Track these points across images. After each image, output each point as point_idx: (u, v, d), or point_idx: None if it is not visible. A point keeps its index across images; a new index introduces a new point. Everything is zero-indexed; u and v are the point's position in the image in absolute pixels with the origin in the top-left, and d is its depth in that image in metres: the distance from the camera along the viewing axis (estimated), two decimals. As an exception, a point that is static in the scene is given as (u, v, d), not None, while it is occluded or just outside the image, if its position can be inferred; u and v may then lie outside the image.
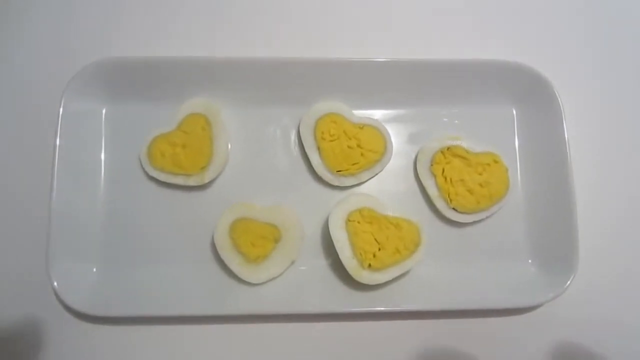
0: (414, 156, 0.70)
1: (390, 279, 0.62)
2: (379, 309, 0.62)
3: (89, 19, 0.72)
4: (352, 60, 0.67)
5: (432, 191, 0.67)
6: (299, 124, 0.69)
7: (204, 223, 0.66)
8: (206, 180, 0.65)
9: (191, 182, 0.66)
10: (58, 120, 0.64)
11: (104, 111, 0.69)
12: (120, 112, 0.69)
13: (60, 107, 0.64)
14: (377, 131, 0.68)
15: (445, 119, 0.71)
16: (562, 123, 0.66)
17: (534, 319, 0.66)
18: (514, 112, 0.71)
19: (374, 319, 0.65)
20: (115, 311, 0.62)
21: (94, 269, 0.65)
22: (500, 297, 0.64)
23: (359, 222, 0.63)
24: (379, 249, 0.62)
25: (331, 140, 0.67)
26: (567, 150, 0.66)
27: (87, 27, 0.72)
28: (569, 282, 0.63)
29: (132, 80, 0.68)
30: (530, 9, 0.76)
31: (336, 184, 0.67)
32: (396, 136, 0.69)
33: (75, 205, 0.65)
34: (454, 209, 0.66)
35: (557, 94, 0.67)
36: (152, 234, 0.66)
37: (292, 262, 0.65)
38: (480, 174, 0.67)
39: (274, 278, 0.64)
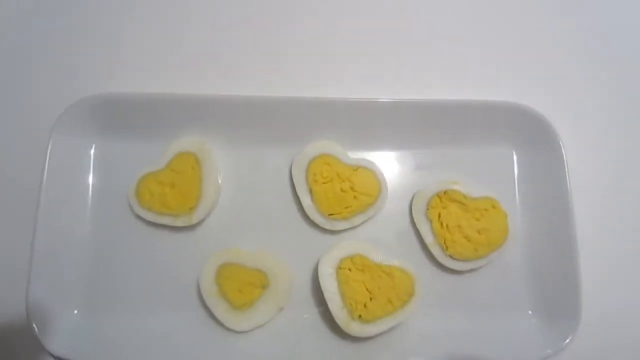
0: (409, 200, 0.68)
1: (381, 331, 0.60)
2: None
3: (80, 55, 0.72)
4: (347, 101, 0.66)
5: (428, 237, 0.65)
6: (291, 164, 0.67)
7: (191, 266, 0.65)
8: (194, 222, 0.64)
9: (179, 222, 0.65)
10: (46, 156, 0.63)
11: (93, 147, 0.68)
12: (110, 149, 0.68)
13: (49, 143, 0.64)
14: (371, 173, 0.67)
15: (443, 162, 0.69)
16: (564, 168, 0.65)
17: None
18: (515, 155, 0.69)
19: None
20: (92, 357, 0.60)
21: (75, 311, 0.63)
22: (499, 352, 0.62)
23: (350, 270, 0.61)
24: (370, 299, 0.60)
25: (324, 183, 0.65)
26: (569, 196, 0.64)
27: (79, 63, 0.72)
28: (571, 337, 0.60)
29: (122, 117, 0.67)
30: (532, 50, 0.74)
31: (328, 227, 0.65)
32: (392, 178, 0.68)
33: (59, 243, 0.64)
34: (450, 256, 0.64)
35: (559, 137, 0.65)
36: (137, 276, 0.65)
37: (280, 309, 0.63)
38: (478, 220, 0.64)
39: (260, 326, 0.62)
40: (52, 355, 0.60)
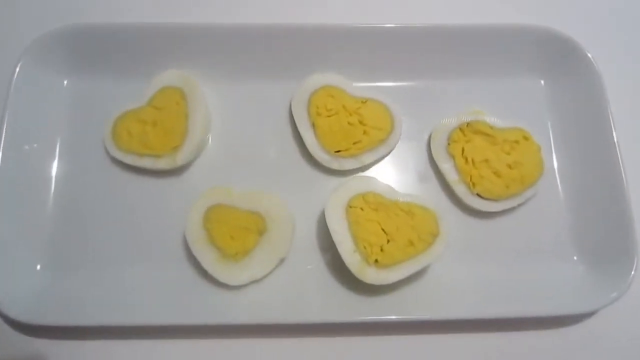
0: (426, 136, 0.60)
1: (402, 277, 0.50)
2: (388, 317, 0.50)
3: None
4: (352, 27, 0.59)
5: (451, 175, 0.56)
6: (291, 99, 0.59)
7: (175, 215, 0.56)
8: (179, 163, 0.56)
9: (161, 164, 0.56)
10: (8, 92, 0.55)
11: (64, 84, 0.60)
12: (84, 87, 0.61)
13: (13, 75, 0.56)
14: (382, 106, 0.59)
15: (462, 94, 0.61)
16: (603, 95, 0.57)
17: (583, 331, 0.53)
18: (543, 84, 0.62)
19: (381, 332, 0.53)
20: (62, 319, 0.50)
21: (38, 267, 0.54)
22: (541, 304, 0.52)
23: (362, 209, 0.52)
24: (388, 241, 0.51)
25: (328, 116, 0.57)
26: (612, 128, 0.56)
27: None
28: (628, 282, 0.50)
29: (97, 51, 0.60)
30: None
31: (334, 167, 0.57)
32: (405, 113, 0.59)
33: (21, 188, 0.55)
34: (478, 195, 0.55)
35: (594, 65, 0.58)
36: (112, 227, 0.56)
37: (281, 261, 0.53)
38: (508, 154, 0.56)
39: (257, 280, 0.53)
40: (11, 321, 0.50)
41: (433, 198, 0.57)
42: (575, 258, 0.56)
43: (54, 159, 0.58)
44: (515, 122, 0.58)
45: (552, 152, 0.59)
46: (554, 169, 0.58)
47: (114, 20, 0.60)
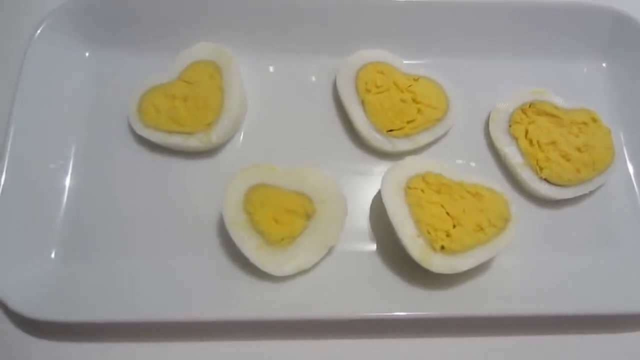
0: (482, 117, 0.55)
1: (473, 265, 0.45)
2: (453, 313, 0.45)
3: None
4: (403, 1, 0.55)
5: (515, 158, 0.52)
6: (336, 76, 0.55)
7: (209, 198, 0.50)
8: (214, 140, 0.50)
9: (193, 142, 0.51)
10: (24, 60, 0.50)
11: (86, 55, 0.56)
12: (108, 58, 0.56)
13: (29, 46, 0.51)
14: (435, 84, 0.55)
15: (519, 74, 0.58)
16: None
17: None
18: (605, 65, 0.59)
19: (443, 332, 0.47)
20: (82, 315, 0.44)
21: (52, 255, 0.48)
22: (617, 299, 0.47)
23: (422, 191, 0.47)
24: (454, 226, 0.46)
25: (378, 93, 0.53)
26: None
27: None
28: None
29: (122, 20, 0.55)
30: None
31: (387, 148, 0.52)
32: (460, 92, 0.55)
33: (37, 167, 0.49)
34: (546, 179, 0.51)
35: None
36: (139, 212, 0.50)
37: (330, 249, 0.48)
38: (576, 136, 0.52)
39: (304, 270, 0.47)
40: (20, 317, 0.43)
41: (494, 183, 0.52)
42: (649, 247, 0.51)
43: (75, 136, 0.52)
44: (577, 100, 0.54)
45: (620, 137, 0.55)
46: (623, 154, 0.54)
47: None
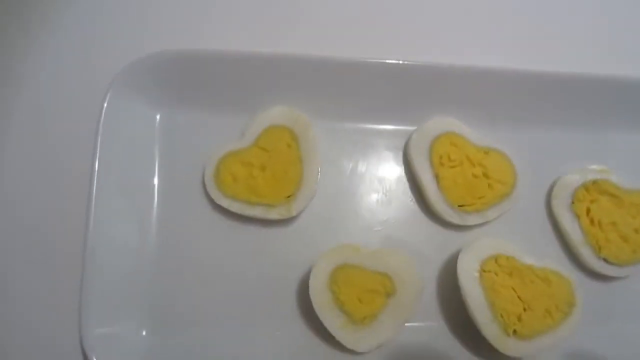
0: (545, 190, 0.59)
1: (541, 350, 0.50)
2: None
3: (142, 6, 0.59)
4: (475, 69, 0.57)
5: (575, 236, 0.56)
6: (407, 144, 0.57)
7: (289, 269, 0.53)
8: (294, 213, 0.53)
9: (273, 214, 0.53)
10: (98, 128, 0.50)
11: (157, 118, 0.56)
12: (180, 121, 0.56)
13: (102, 111, 0.51)
14: (504, 157, 0.57)
15: (582, 146, 0.60)
16: None
17: None
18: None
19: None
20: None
21: (144, 332, 0.50)
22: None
23: (496, 274, 0.51)
24: (524, 310, 0.50)
25: (452, 167, 0.55)
26: None
27: (140, 17, 0.59)
28: None
29: (196, 80, 0.55)
30: None
31: (456, 221, 0.55)
32: (525, 163, 0.58)
33: (118, 244, 0.51)
34: (604, 259, 0.55)
35: None
36: (220, 284, 0.53)
37: (405, 321, 0.52)
38: (634, 218, 0.56)
39: (383, 345, 0.51)
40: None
41: (552, 256, 0.57)
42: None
43: (152, 207, 0.54)
44: (636, 178, 0.58)
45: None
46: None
47: (211, 47, 0.55)
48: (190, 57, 0.54)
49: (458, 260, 0.51)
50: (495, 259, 0.52)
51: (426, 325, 0.53)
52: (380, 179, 0.57)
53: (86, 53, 0.57)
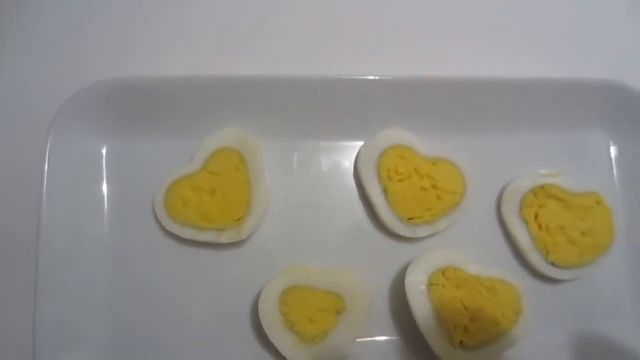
0: (495, 196, 0.60)
1: (489, 359, 0.51)
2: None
3: (84, 35, 0.59)
4: (419, 79, 0.57)
5: (525, 241, 0.57)
6: (356, 159, 0.58)
7: (243, 291, 0.54)
8: (244, 236, 0.54)
9: (224, 238, 0.54)
10: (45, 163, 0.51)
11: (104, 150, 0.56)
12: (126, 150, 0.57)
13: (47, 147, 0.51)
14: (453, 166, 0.58)
15: (529, 150, 0.61)
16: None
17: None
18: (611, 141, 0.62)
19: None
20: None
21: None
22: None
23: (443, 287, 0.53)
24: (471, 320, 0.52)
25: (400, 180, 0.56)
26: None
27: (84, 45, 0.59)
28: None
29: (142, 107, 0.56)
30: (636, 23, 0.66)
31: (406, 234, 0.56)
32: (473, 172, 0.59)
33: (71, 275, 0.52)
34: (552, 263, 0.57)
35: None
36: (174, 309, 0.54)
37: (356, 337, 0.53)
38: (581, 220, 0.57)
39: (336, 360, 0.53)
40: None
41: (502, 262, 0.58)
42: (641, 322, 0.58)
43: (102, 238, 0.54)
44: (586, 183, 0.59)
45: (620, 215, 0.60)
46: (622, 231, 0.60)
47: (159, 74, 0.55)
48: (135, 85, 0.54)
49: (406, 275, 0.53)
50: (443, 271, 0.53)
51: (380, 339, 0.55)
52: (332, 195, 0.58)
53: (28, 85, 0.57)
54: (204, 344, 0.53)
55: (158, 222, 0.55)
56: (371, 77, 0.56)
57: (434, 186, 0.56)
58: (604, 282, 0.59)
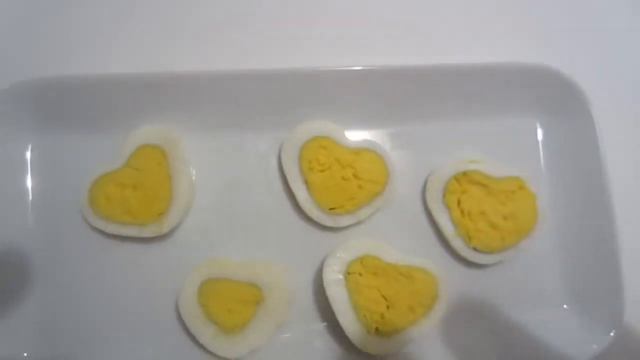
0: (421, 184, 0.60)
1: (404, 345, 0.53)
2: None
3: (3, 34, 0.60)
4: (341, 70, 0.57)
5: (447, 228, 0.58)
6: (280, 151, 0.59)
7: (167, 285, 0.56)
8: (165, 230, 0.55)
9: (147, 233, 0.55)
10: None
11: (29, 147, 0.58)
12: (51, 147, 0.58)
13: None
14: (376, 156, 0.58)
15: (457, 136, 0.62)
16: (596, 137, 0.58)
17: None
18: (538, 125, 0.63)
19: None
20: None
21: (25, 354, 0.53)
22: (533, 353, 0.56)
23: (361, 275, 0.54)
24: (388, 307, 0.53)
25: (321, 171, 0.57)
26: (603, 171, 0.57)
27: (3, 45, 0.60)
28: (613, 334, 0.55)
29: (64, 106, 0.57)
30: (559, 5, 0.66)
31: (329, 224, 0.57)
32: (399, 160, 0.60)
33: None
34: (474, 248, 0.57)
35: (588, 102, 0.58)
36: (99, 303, 0.56)
37: (279, 327, 0.55)
38: (503, 204, 0.58)
39: (257, 349, 0.54)
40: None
41: (428, 249, 0.59)
42: (565, 307, 0.59)
43: (27, 234, 0.56)
44: (510, 166, 0.59)
45: (546, 198, 0.61)
46: (547, 216, 0.60)
47: (80, 72, 0.56)
48: (56, 84, 0.56)
49: (324, 265, 0.54)
50: (362, 260, 0.54)
51: (303, 329, 0.56)
52: (257, 188, 0.59)
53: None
54: (130, 336, 0.55)
55: (83, 218, 0.56)
56: (293, 69, 0.57)
57: (355, 176, 0.57)
58: (529, 265, 0.60)
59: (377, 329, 0.52)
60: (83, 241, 0.57)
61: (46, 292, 0.55)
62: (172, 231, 0.57)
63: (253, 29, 0.62)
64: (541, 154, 0.62)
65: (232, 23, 0.62)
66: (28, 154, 0.58)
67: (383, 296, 0.53)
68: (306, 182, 0.57)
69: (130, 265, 0.57)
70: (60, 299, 0.55)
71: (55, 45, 0.60)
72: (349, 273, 0.54)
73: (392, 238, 0.58)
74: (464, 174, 0.58)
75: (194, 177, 0.59)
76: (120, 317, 0.55)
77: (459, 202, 0.58)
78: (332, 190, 0.57)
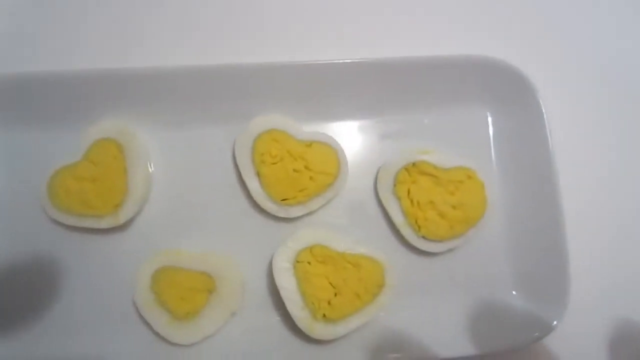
0: (374, 176, 0.62)
1: (349, 331, 0.54)
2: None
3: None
4: (294, 64, 0.59)
5: (397, 217, 0.59)
6: (234, 145, 0.60)
7: (124, 275, 0.58)
8: (122, 221, 0.57)
9: (104, 224, 0.57)
10: None
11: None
12: (10, 142, 0.60)
13: None
14: (328, 148, 0.60)
15: (409, 129, 0.63)
16: (545, 127, 0.60)
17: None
18: (489, 116, 0.64)
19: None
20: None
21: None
22: (482, 338, 0.57)
23: (309, 263, 0.56)
24: (335, 295, 0.55)
25: (273, 163, 0.59)
26: (552, 161, 0.59)
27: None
28: (558, 318, 0.56)
29: (23, 102, 0.58)
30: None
31: (282, 215, 0.59)
32: (352, 152, 0.61)
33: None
34: (423, 237, 0.59)
35: (537, 93, 0.60)
36: (59, 293, 0.57)
37: (232, 315, 0.57)
38: (452, 194, 0.59)
39: (210, 336, 0.56)
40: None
41: (380, 239, 0.61)
42: (513, 293, 0.61)
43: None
44: (461, 156, 0.61)
45: (496, 187, 0.62)
46: (496, 205, 0.61)
47: (38, 69, 0.58)
48: (14, 80, 0.57)
49: (274, 254, 0.56)
50: (311, 249, 0.56)
51: (256, 316, 0.58)
52: (213, 181, 0.61)
53: None
54: (88, 325, 0.57)
55: (43, 210, 0.58)
56: (248, 64, 0.58)
57: (306, 167, 0.59)
58: (479, 253, 0.61)
59: (324, 315, 0.54)
60: (43, 234, 0.58)
61: (3, 283, 0.57)
62: (128, 222, 0.58)
63: (208, 24, 0.64)
64: (492, 144, 0.64)
65: (187, 18, 0.63)
66: (-10, 149, 0.59)
67: (331, 283, 0.55)
68: (258, 175, 0.59)
69: (88, 256, 0.58)
70: (19, 290, 0.57)
71: (12, 42, 0.62)
72: (297, 262, 0.55)
73: (344, 228, 0.60)
74: (414, 164, 0.60)
75: (150, 170, 0.60)
76: (78, 307, 0.57)
77: (408, 192, 0.60)
78: (283, 182, 0.58)
